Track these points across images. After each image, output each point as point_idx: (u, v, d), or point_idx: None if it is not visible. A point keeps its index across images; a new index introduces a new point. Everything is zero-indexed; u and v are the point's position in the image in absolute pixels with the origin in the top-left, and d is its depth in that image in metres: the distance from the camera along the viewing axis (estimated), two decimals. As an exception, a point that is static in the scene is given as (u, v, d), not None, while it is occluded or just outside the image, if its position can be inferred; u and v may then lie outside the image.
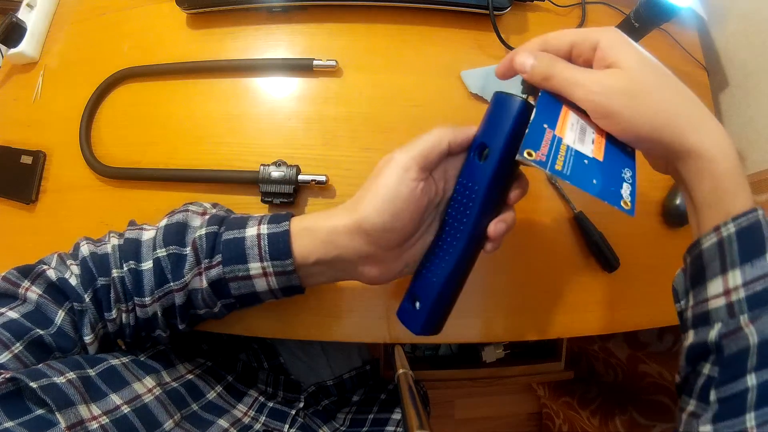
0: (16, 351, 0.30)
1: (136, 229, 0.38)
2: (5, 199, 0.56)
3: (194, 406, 0.37)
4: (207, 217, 0.38)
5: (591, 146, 0.32)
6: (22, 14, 0.60)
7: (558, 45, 0.33)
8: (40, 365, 0.28)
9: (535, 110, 0.32)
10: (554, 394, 1.12)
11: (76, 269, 0.35)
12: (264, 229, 0.35)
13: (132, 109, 0.55)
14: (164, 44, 0.56)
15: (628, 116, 0.30)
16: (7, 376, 0.26)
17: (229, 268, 0.35)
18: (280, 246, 0.34)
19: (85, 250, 0.36)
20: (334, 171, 0.49)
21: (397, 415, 0.52)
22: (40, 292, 0.33)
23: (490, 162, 0.34)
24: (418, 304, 0.37)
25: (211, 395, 0.40)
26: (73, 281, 0.34)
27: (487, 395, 1.29)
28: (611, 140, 0.33)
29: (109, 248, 0.36)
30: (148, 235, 0.37)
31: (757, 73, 0.57)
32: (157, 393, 0.33)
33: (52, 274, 0.34)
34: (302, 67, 0.53)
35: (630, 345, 0.85)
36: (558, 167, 0.30)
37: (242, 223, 0.37)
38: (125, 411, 0.30)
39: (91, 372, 0.30)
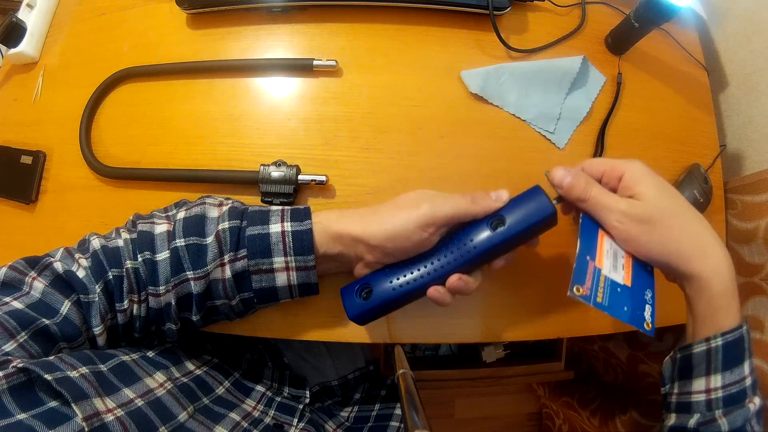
0: (21, 340, 0.30)
1: (147, 222, 0.39)
2: (5, 199, 0.56)
3: (205, 400, 0.37)
4: (225, 209, 0.39)
5: (622, 272, 0.36)
6: (22, 14, 0.59)
7: (590, 172, 0.39)
8: (52, 358, 0.28)
9: (579, 241, 0.36)
10: (554, 394, 1.12)
11: (84, 262, 0.36)
12: (288, 226, 0.38)
13: (132, 109, 0.55)
14: (164, 44, 0.56)
15: (644, 241, 0.36)
16: (19, 365, 0.26)
17: (254, 261, 0.37)
18: (304, 243, 0.38)
19: (96, 243, 0.37)
20: (334, 171, 0.49)
21: (399, 411, 0.52)
22: (47, 284, 0.34)
23: (499, 237, 0.38)
24: (365, 294, 0.41)
25: (220, 390, 0.40)
26: (81, 273, 0.35)
27: (487, 395, 1.29)
28: (635, 259, 0.37)
29: (120, 242, 0.37)
30: (161, 228, 0.38)
31: (757, 73, 0.57)
32: (169, 387, 0.34)
33: (58, 266, 0.35)
34: (302, 67, 0.53)
35: (630, 345, 0.85)
36: (599, 299, 0.35)
37: (264, 218, 0.39)
38: (139, 404, 0.30)
39: (103, 367, 0.31)
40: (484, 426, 1.29)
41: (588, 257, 0.36)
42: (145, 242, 0.37)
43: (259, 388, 0.45)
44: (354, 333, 0.47)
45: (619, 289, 0.36)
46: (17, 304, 0.32)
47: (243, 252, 0.38)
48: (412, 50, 0.54)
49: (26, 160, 0.55)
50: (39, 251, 0.37)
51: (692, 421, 0.35)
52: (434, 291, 0.38)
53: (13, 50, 0.58)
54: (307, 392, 0.49)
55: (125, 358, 0.33)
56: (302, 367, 0.58)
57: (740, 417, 0.34)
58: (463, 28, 0.55)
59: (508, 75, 0.53)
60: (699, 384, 0.36)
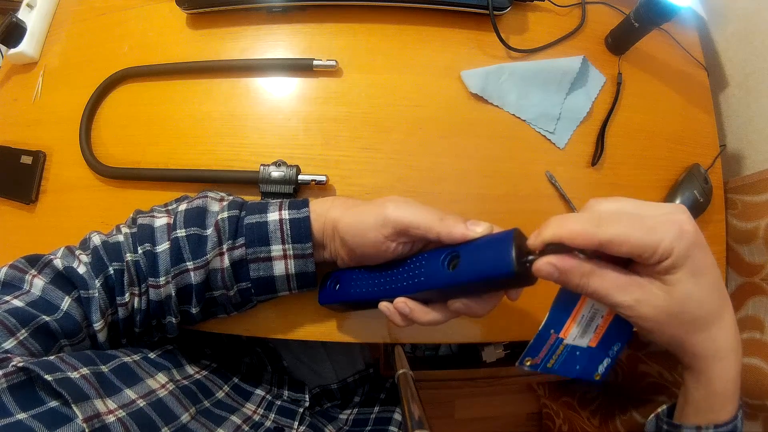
0: (21, 337, 0.30)
1: (147, 216, 0.39)
2: (5, 199, 0.56)
3: (206, 403, 0.37)
4: (225, 203, 0.40)
5: (591, 335, 0.34)
6: (22, 14, 0.59)
7: (612, 251, 0.28)
8: (52, 358, 0.28)
9: (548, 314, 0.32)
10: (554, 394, 1.12)
11: (85, 258, 0.36)
12: (286, 214, 0.38)
13: (132, 109, 0.55)
14: (164, 44, 0.56)
15: (654, 332, 0.31)
16: (19, 365, 0.26)
17: (252, 249, 0.37)
18: (301, 231, 0.38)
19: (96, 239, 0.37)
20: (334, 171, 0.49)
21: (398, 415, 0.52)
22: (47, 281, 0.34)
23: (445, 277, 0.32)
24: (338, 287, 0.41)
25: (220, 394, 0.40)
26: (81, 269, 0.35)
27: (487, 395, 1.29)
28: (618, 317, 0.33)
29: (121, 237, 0.38)
30: (161, 221, 0.38)
31: (757, 73, 0.57)
32: (171, 388, 0.34)
33: (59, 263, 0.35)
34: (302, 67, 0.53)
35: (630, 345, 0.85)
36: (549, 365, 0.33)
37: (263, 208, 0.39)
38: (141, 405, 0.30)
39: (104, 368, 0.31)
40: (484, 426, 1.29)
41: (552, 331, 0.32)
42: (145, 235, 0.37)
43: (259, 391, 0.45)
44: (354, 333, 0.47)
45: (578, 353, 0.33)
46: (17, 302, 0.32)
47: (241, 240, 0.38)
48: (412, 50, 0.54)
49: (26, 160, 0.55)
50: (39, 251, 0.37)
51: None
52: (384, 306, 0.37)
53: (13, 50, 0.58)
54: (307, 396, 0.49)
55: (126, 359, 0.33)
56: (301, 371, 0.58)
57: None
58: (463, 28, 0.55)
59: (508, 75, 0.53)
60: None
